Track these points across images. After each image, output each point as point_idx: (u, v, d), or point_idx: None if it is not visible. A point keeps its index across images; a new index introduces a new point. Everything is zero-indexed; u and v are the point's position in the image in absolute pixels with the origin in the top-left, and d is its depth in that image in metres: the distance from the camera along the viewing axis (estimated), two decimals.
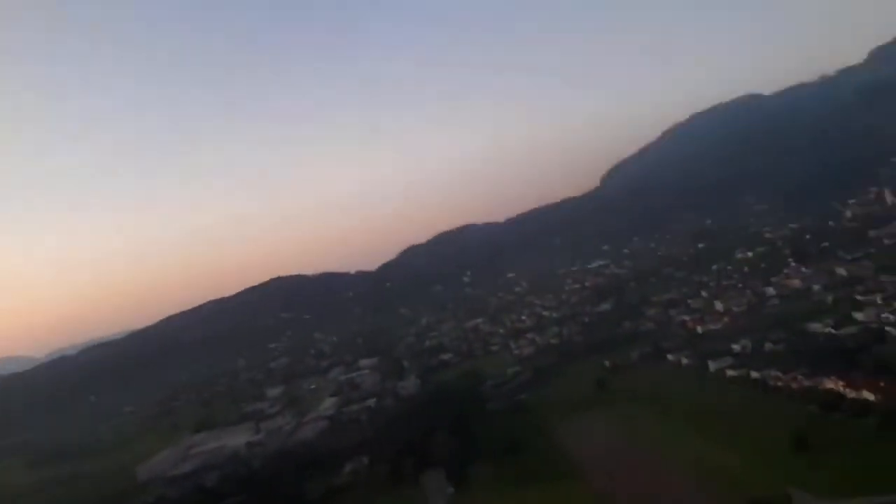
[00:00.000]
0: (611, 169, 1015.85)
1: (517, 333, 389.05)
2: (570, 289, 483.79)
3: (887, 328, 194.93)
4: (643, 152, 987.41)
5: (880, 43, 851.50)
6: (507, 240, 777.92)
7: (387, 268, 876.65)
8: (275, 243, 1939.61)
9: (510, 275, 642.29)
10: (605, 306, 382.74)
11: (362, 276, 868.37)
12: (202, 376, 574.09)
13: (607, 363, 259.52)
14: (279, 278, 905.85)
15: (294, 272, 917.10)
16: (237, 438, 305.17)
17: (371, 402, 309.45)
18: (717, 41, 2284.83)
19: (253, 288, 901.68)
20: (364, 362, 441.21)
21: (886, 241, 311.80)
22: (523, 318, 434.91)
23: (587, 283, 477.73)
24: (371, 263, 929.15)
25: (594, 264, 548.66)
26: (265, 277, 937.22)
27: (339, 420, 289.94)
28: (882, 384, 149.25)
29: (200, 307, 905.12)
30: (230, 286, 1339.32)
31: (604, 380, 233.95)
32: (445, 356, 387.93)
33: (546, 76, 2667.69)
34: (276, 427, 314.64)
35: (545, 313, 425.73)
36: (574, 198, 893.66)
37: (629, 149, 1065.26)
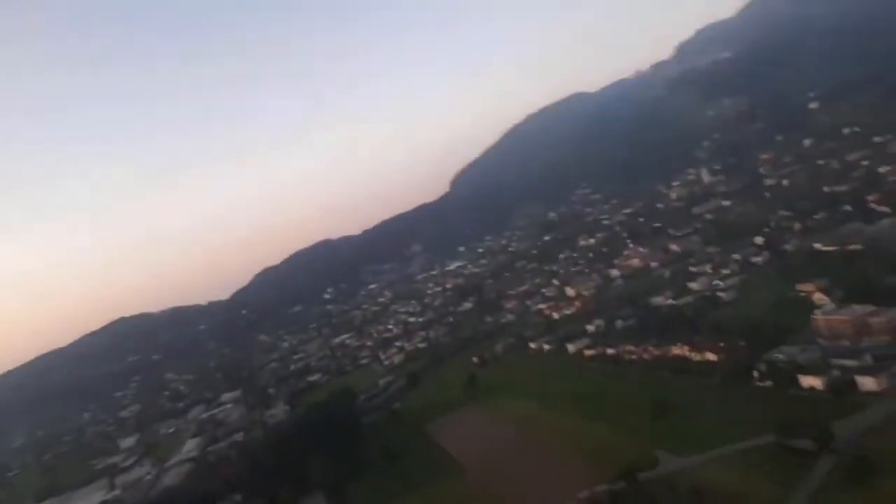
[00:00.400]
0: (459, 172, 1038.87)
1: (385, 343, 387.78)
2: (433, 292, 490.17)
3: (719, 294, 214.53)
4: (487, 154, 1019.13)
5: (683, 38, 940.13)
6: (365, 251, 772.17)
7: (241, 294, 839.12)
8: (113, 282, 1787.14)
9: (372, 286, 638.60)
10: (467, 305, 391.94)
11: (215, 306, 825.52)
12: (40, 439, 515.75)
13: (475, 359, 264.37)
14: (121, 320, 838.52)
15: (138, 311, 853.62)
16: (90, 499, 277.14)
17: (238, 436, 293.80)
18: (543, 45, 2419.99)
19: (92, 333, 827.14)
20: (226, 396, 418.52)
21: (708, 217, 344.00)
22: (390, 327, 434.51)
23: (448, 286, 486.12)
24: (223, 292, 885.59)
25: (452, 266, 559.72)
26: (105, 321, 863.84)
27: (206, 461, 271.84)
28: (721, 345, 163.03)
29: (31, 363, 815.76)
30: (65, 336, 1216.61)
31: (474, 375, 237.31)
32: (314, 377, 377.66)
33: (391, 86, 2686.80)
34: (135, 479, 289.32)
35: (411, 320, 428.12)
36: (427, 204, 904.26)
37: (474, 152, 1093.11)
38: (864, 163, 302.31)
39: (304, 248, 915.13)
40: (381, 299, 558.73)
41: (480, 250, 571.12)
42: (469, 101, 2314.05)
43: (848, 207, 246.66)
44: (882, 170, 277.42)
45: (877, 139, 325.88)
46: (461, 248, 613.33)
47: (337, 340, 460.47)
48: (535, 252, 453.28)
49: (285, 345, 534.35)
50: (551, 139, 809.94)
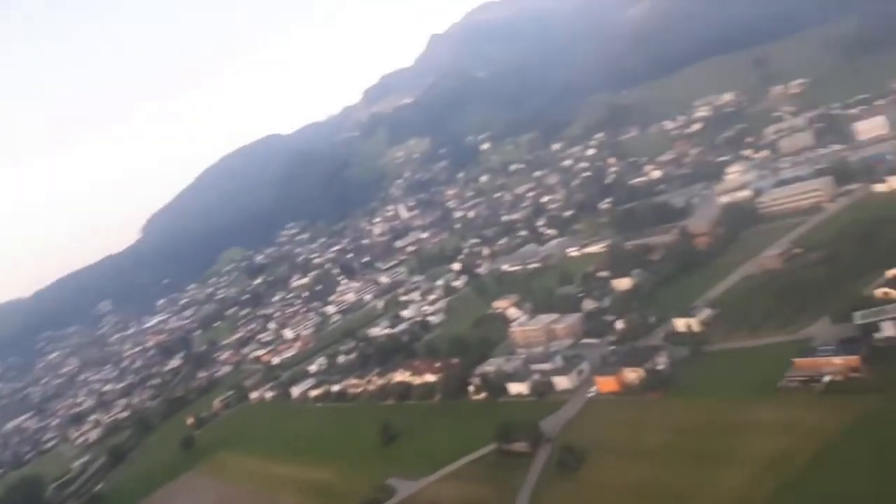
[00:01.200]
0: (151, 218, 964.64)
1: (76, 419, 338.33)
2: (131, 353, 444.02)
3: (429, 318, 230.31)
4: (181, 197, 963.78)
5: (369, 84, 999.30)
6: (40, 316, 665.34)
7: None
8: None
9: (53, 355, 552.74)
10: (175, 362, 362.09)
11: None
12: None
13: (190, 420, 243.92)
14: None
15: None
16: None
17: None
18: (232, 86, 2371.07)
19: None
20: None
21: (410, 249, 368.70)
22: (80, 399, 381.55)
23: (149, 344, 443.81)
24: None
25: (152, 322, 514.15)
26: None
27: None
28: (437, 365, 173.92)
29: None
30: None
31: (190, 438, 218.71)
32: None
33: (61, 127, 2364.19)
34: None
35: (106, 388, 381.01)
36: (115, 255, 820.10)
37: (166, 196, 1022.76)
38: (530, 194, 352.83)
39: None
40: (66, 369, 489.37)
41: (184, 301, 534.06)
42: (153, 142, 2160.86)
43: (524, 232, 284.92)
44: (544, 199, 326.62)
45: (537, 174, 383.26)
46: (161, 301, 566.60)
47: (10, 425, 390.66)
48: (246, 297, 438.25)
49: None
50: (250, 180, 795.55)
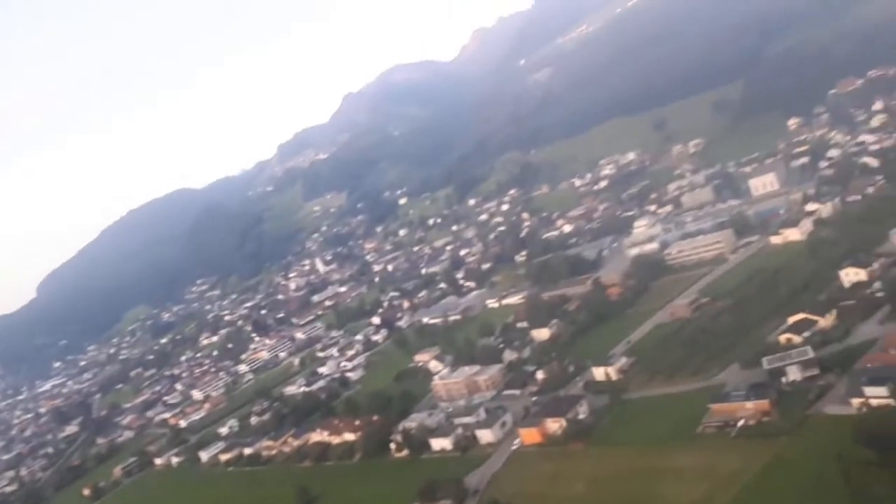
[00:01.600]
0: (47, 276, 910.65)
1: None
2: (21, 421, 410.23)
3: (348, 374, 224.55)
4: (82, 255, 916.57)
5: (283, 140, 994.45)
6: None
7: None
8: None
9: None
10: (71, 428, 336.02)
11: None
12: None
13: (86, 491, 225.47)
14: None
15: None
16: None
17: None
18: (138, 141, 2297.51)
19: None
20: None
21: (328, 303, 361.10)
22: None
23: (42, 410, 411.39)
24: None
25: (46, 386, 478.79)
26: None
27: None
28: (356, 423, 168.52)
29: None
30: None
31: None
32: None
33: None
34: None
35: None
36: (6, 315, 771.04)
37: (65, 253, 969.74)
38: (449, 248, 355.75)
39: None
40: None
41: (83, 363, 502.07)
42: (52, 196, 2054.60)
43: (443, 285, 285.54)
44: (462, 252, 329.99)
45: (454, 228, 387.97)
46: (57, 364, 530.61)
47: None
48: (151, 357, 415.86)
49: None
50: (158, 235, 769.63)
